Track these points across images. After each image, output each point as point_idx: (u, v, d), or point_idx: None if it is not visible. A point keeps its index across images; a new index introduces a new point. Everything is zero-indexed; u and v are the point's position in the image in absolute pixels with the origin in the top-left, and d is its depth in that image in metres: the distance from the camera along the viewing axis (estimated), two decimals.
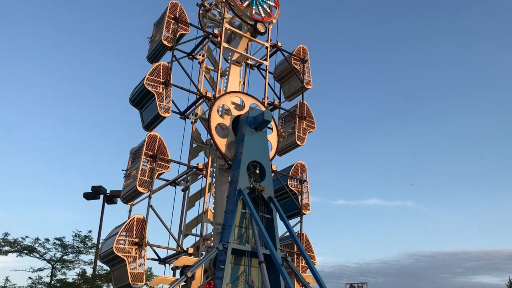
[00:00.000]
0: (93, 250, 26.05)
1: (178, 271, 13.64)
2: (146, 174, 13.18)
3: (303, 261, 15.14)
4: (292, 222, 15.37)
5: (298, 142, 16.95)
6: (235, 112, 15.33)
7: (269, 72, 17.72)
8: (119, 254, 12.07)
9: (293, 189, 16.35)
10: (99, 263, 25.07)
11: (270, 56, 17.79)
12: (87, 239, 25.84)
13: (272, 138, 15.79)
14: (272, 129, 16.02)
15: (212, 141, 14.70)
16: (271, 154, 15.38)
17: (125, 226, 12.44)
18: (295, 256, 15.33)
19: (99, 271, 25.61)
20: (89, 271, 26.54)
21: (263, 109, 15.51)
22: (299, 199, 16.30)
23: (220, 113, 15.37)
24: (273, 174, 15.42)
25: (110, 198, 27.74)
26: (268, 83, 17.35)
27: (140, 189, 12.95)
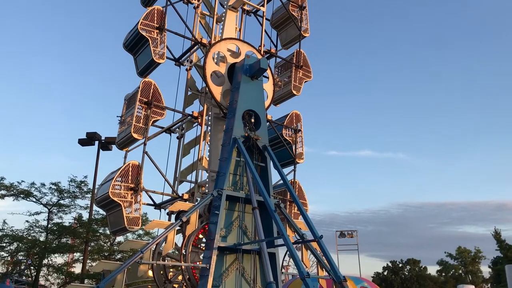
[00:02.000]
0: (88, 195, 26.49)
1: (173, 216, 13.94)
2: (141, 120, 13.16)
3: (296, 208, 15.48)
4: (285, 170, 15.57)
5: (294, 92, 16.84)
6: (231, 60, 15.11)
7: (266, 19, 17.29)
8: (115, 199, 12.26)
9: (287, 138, 16.43)
10: (94, 207, 25.57)
11: (268, 1, 17.31)
12: (82, 184, 26.23)
13: (268, 87, 15.67)
14: (268, 78, 15.87)
15: (207, 88, 14.58)
16: (267, 103, 15.32)
17: (121, 172, 12.56)
18: (288, 203, 15.64)
19: (95, 216, 26.18)
20: (85, 215, 27.13)
21: (259, 57, 15.29)
22: (293, 148, 16.42)
23: (215, 60, 15.15)
24: (268, 123, 15.43)
25: (105, 145, 27.84)
26: (265, 30, 16.99)
27: (135, 135, 12.98)
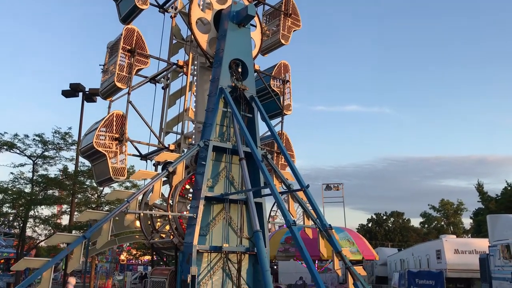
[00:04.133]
0: (73, 147, 26.15)
1: (159, 167, 13.81)
2: (125, 69, 12.74)
3: (283, 159, 15.42)
4: (273, 122, 15.38)
5: (283, 41, 16.39)
6: (217, 6, 14.55)
7: None
8: (100, 149, 12.04)
9: (275, 89, 16.14)
10: (80, 159, 25.31)
11: None
12: (67, 136, 25.81)
13: (256, 35, 15.22)
14: (255, 26, 15.39)
15: (192, 37, 14.10)
16: (254, 52, 14.93)
17: (105, 122, 12.27)
18: (275, 154, 15.56)
19: (81, 168, 25.98)
20: (71, 167, 26.90)
21: (246, 3, 14.74)
22: (281, 99, 16.17)
23: (201, 7, 14.58)
24: (255, 73, 15.09)
25: (89, 96, 27.31)
26: None
27: (118, 84, 12.59)
